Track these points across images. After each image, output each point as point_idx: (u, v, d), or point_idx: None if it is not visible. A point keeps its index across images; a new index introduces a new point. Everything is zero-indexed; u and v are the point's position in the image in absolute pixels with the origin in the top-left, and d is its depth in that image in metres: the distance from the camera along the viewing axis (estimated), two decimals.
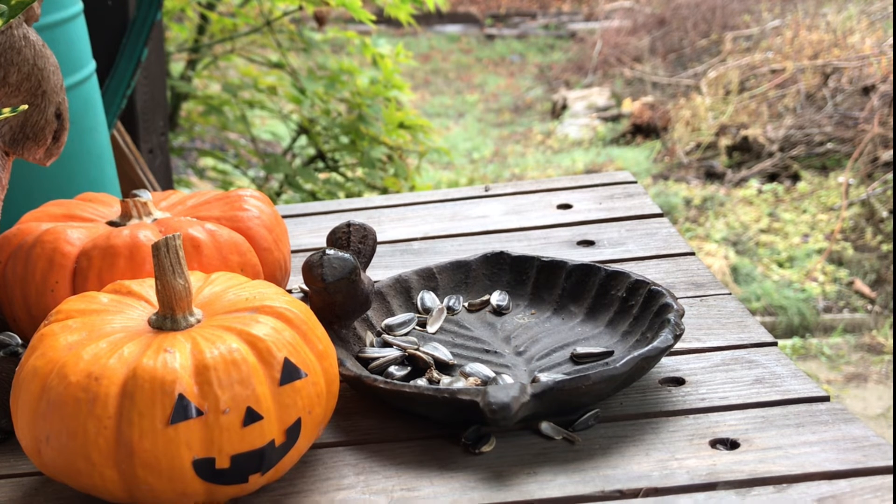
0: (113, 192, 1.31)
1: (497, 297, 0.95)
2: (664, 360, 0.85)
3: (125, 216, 0.91)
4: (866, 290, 3.67)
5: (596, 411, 0.77)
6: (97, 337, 0.70)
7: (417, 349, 0.86)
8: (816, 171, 4.56)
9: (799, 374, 0.81)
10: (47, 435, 0.67)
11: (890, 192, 4.08)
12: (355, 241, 0.88)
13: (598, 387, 0.75)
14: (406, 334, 0.90)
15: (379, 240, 1.14)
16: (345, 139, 2.70)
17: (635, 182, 1.27)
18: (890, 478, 0.68)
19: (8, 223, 1.03)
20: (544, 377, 0.80)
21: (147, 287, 0.77)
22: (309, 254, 0.86)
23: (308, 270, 0.82)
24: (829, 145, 4.65)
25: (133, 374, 0.66)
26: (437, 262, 0.99)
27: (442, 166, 4.99)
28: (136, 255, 0.84)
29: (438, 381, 0.82)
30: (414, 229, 1.18)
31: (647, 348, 0.78)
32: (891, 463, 0.69)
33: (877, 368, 3.22)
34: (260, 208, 0.92)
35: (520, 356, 0.87)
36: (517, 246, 1.11)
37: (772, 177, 4.59)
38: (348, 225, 0.89)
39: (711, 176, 4.70)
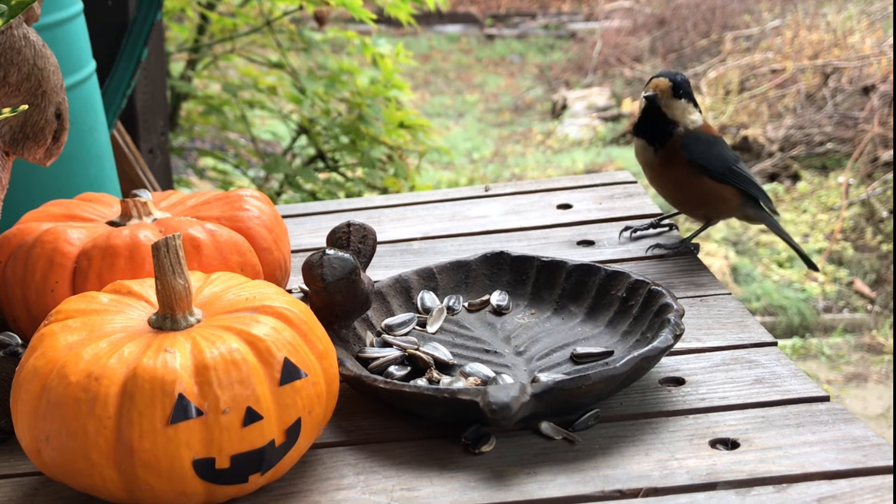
0: (113, 192, 1.31)
1: (497, 297, 0.95)
2: (664, 360, 0.85)
3: (125, 216, 0.91)
4: (866, 290, 3.67)
5: (596, 411, 0.77)
6: (97, 337, 0.70)
7: (417, 349, 0.86)
8: (816, 171, 4.56)
9: (799, 374, 0.81)
10: (47, 435, 0.67)
11: (890, 192, 4.08)
12: (355, 241, 0.88)
13: (598, 387, 0.75)
14: (406, 334, 0.90)
15: (379, 240, 1.14)
16: (345, 139, 2.70)
17: (635, 182, 1.27)
18: (890, 478, 0.68)
19: (8, 223, 1.03)
20: (544, 377, 0.80)
21: (147, 287, 0.77)
22: (309, 254, 0.86)
23: (308, 270, 0.82)
24: (829, 145, 4.65)
25: (133, 374, 0.66)
26: (437, 262, 0.99)
27: (442, 166, 4.99)
28: (136, 255, 0.84)
29: (438, 381, 0.82)
30: (414, 229, 1.18)
31: (647, 348, 0.78)
32: (891, 463, 0.69)
33: (877, 368, 3.22)
34: (260, 208, 0.92)
35: (520, 356, 0.87)
36: (517, 246, 1.11)
37: (772, 177, 4.59)
38: (348, 225, 0.89)
39: None
